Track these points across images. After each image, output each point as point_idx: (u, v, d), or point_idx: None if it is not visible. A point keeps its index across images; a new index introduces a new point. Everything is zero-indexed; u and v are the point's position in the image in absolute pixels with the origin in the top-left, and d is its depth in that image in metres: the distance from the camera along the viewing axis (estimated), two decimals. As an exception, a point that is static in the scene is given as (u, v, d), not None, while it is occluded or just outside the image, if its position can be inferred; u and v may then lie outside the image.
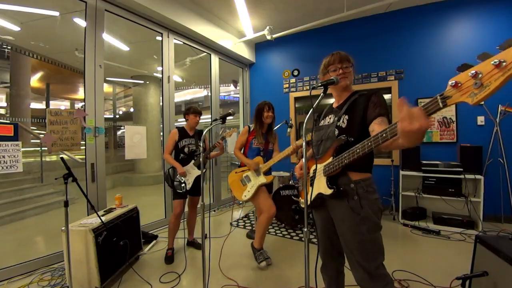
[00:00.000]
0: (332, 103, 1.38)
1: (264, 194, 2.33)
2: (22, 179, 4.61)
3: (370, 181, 1.19)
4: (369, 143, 0.98)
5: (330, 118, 1.31)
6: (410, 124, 0.75)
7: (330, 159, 1.19)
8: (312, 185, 1.32)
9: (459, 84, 0.71)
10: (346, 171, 1.18)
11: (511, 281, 1.24)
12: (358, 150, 1.03)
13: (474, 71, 0.68)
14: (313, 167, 1.32)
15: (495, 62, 0.64)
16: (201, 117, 2.66)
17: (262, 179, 2.30)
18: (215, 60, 4.40)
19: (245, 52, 4.81)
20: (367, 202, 1.15)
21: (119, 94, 13.05)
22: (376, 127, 1.07)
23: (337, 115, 1.25)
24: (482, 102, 3.27)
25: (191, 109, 2.59)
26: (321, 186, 1.24)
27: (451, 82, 0.72)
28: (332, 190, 1.17)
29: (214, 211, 4.13)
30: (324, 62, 1.31)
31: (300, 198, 1.40)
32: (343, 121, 1.21)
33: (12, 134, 1.98)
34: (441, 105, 0.74)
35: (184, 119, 2.66)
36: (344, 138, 1.17)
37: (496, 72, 0.64)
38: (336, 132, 1.22)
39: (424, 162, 3.29)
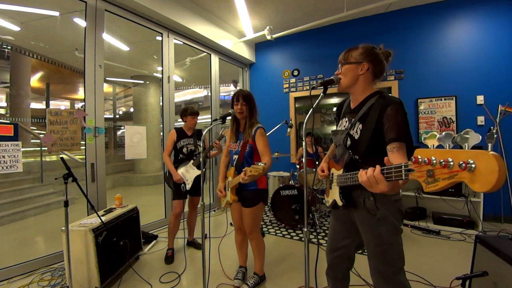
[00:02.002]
0: (350, 102, 1.29)
1: (235, 212, 2.02)
2: (22, 179, 4.61)
3: None
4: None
5: (346, 122, 1.25)
6: (371, 188, 0.85)
7: (341, 171, 1.17)
8: (331, 187, 1.31)
9: (418, 164, 0.64)
10: None
11: (511, 281, 1.24)
12: (354, 179, 1.02)
13: (426, 159, 0.61)
14: (331, 170, 1.30)
15: (442, 162, 0.58)
16: (201, 117, 2.65)
17: (227, 197, 1.89)
18: (215, 60, 4.39)
19: (245, 52, 4.81)
20: (384, 203, 1.12)
21: (119, 94, 13.01)
22: (389, 155, 1.00)
23: (351, 121, 1.20)
24: (483, 104, 3.27)
25: (188, 111, 2.58)
26: (335, 194, 1.22)
27: (413, 157, 0.66)
28: (342, 203, 1.17)
29: (214, 211, 4.12)
30: None
31: (325, 196, 1.39)
32: (356, 131, 1.15)
33: (12, 134, 1.99)
34: (403, 177, 0.71)
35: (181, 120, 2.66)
36: (350, 155, 1.13)
37: (445, 172, 0.57)
38: (348, 142, 1.17)
39: (424, 162, 3.28)
